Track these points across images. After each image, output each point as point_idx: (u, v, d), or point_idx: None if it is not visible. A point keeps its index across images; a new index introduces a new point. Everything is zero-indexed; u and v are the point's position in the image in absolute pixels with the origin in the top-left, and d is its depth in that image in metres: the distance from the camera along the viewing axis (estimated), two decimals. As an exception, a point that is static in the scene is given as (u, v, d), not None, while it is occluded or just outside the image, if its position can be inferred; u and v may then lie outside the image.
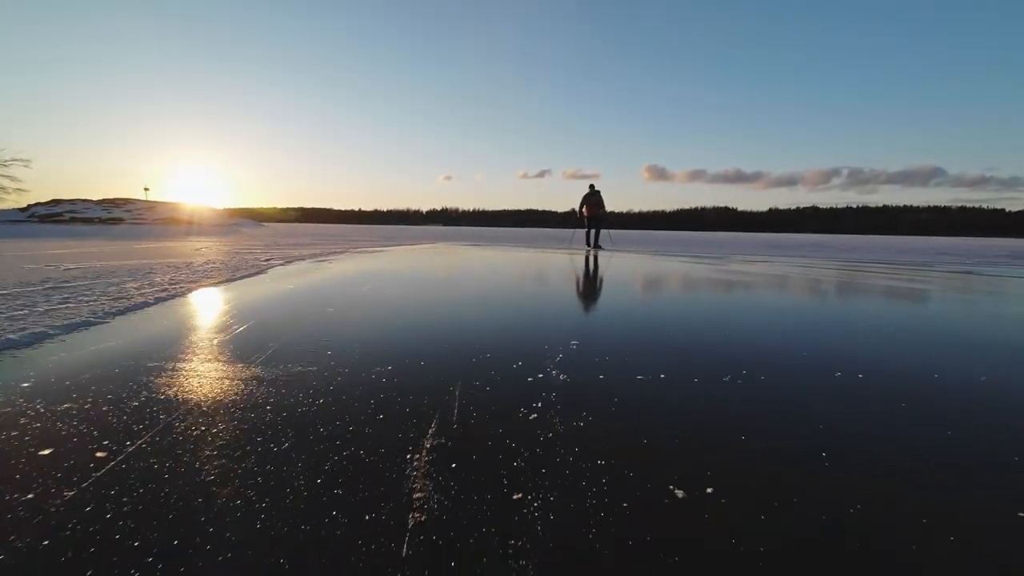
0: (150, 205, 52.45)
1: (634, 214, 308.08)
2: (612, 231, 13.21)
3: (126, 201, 52.79)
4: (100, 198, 52.86)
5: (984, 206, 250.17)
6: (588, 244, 11.77)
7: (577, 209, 11.82)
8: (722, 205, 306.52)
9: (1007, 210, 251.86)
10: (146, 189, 58.36)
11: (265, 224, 60.21)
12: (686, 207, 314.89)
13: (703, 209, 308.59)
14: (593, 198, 11.61)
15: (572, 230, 13.30)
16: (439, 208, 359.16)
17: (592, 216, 11.71)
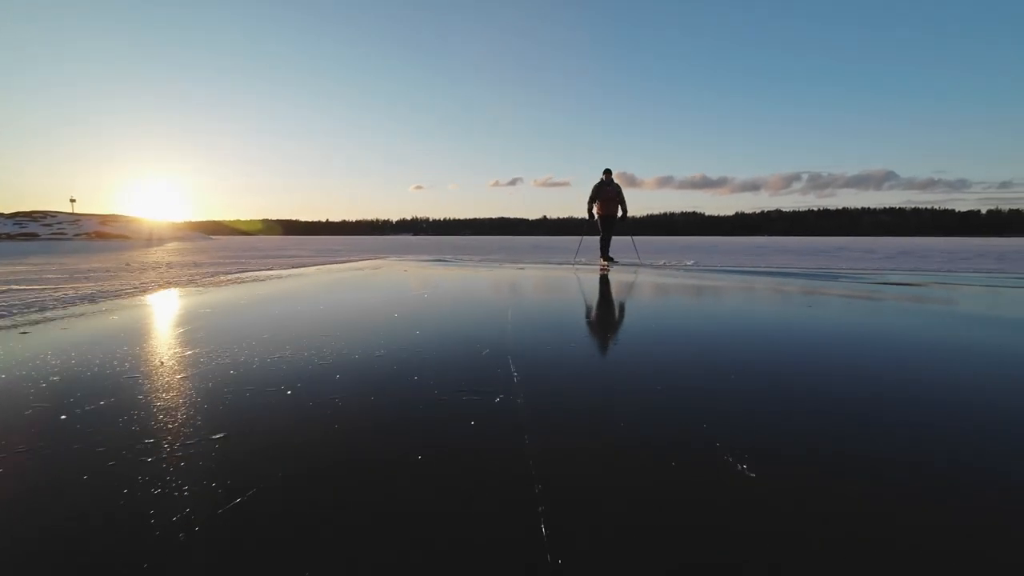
0: (75, 218, 46.63)
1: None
2: (636, 238, 9.48)
3: (44, 214, 46.80)
4: (14, 211, 46.83)
5: (936, 207, 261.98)
6: (602, 257, 8.28)
7: (587, 207, 8.29)
8: (690, 210, 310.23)
9: (956, 210, 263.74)
10: (72, 200, 52.37)
11: (214, 237, 54.91)
12: (655, 213, 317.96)
13: (672, 214, 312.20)
14: (607, 190, 8.11)
15: (578, 238, 9.39)
16: (409, 218, 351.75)
17: (606, 216, 8.21)
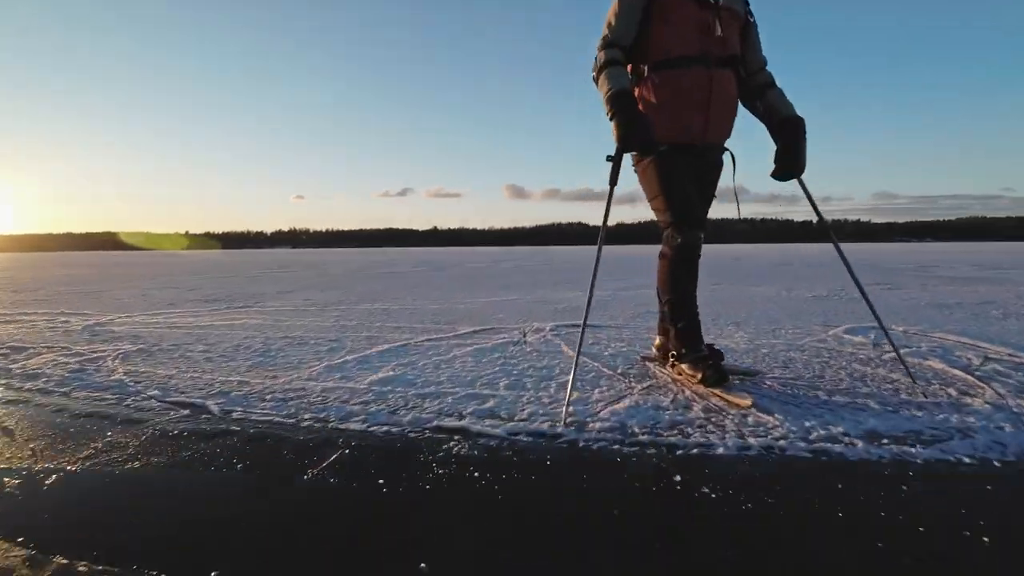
0: None
1: (496, 231, 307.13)
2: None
3: None
4: None
5: (779, 218, 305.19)
6: (673, 353, 1.68)
7: (604, 97, 1.51)
8: (576, 221, 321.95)
9: (794, 220, 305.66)
10: None
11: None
12: (544, 223, 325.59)
13: (560, 225, 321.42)
14: (690, 4, 1.58)
15: (591, 249, 2.29)
16: (287, 229, 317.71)
17: (696, 145, 1.67)
